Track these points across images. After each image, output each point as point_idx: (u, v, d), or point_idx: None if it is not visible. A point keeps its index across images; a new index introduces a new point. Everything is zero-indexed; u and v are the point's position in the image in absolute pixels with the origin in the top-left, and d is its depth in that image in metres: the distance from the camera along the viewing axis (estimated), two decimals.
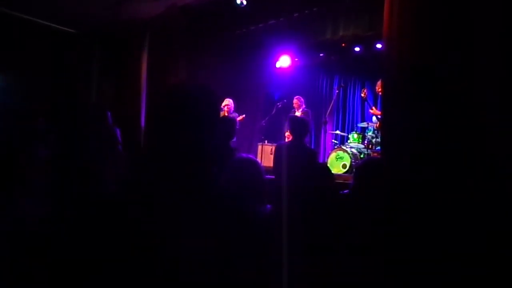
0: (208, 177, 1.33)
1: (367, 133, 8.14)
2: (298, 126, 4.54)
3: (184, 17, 7.34)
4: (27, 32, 7.38)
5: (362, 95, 7.99)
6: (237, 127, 7.93)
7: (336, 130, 9.57)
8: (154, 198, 1.21)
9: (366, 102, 8.70)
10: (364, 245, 2.02)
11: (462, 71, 3.50)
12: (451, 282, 2.11)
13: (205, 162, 1.33)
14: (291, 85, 10.08)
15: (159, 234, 1.17)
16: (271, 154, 7.70)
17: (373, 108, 7.80)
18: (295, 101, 8.18)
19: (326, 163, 7.15)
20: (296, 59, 9.73)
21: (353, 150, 7.97)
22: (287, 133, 6.65)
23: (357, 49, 8.86)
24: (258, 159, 6.99)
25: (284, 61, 9.40)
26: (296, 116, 5.14)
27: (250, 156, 2.33)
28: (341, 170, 7.61)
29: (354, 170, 2.99)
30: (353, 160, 7.56)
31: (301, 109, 8.06)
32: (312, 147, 10.27)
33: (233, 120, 4.71)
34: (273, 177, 4.46)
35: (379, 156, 6.73)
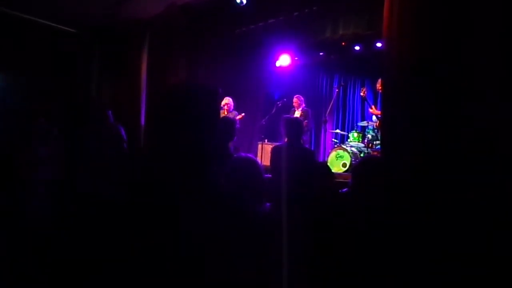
0: (208, 177, 1.34)
1: (367, 132, 8.15)
2: (293, 126, 4.54)
3: (183, 16, 7.34)
4: (27, 32, 7.38)
5: (362, 94, 8.00)
6: (237, 126, 7.96)
7: (336, 129, 9.57)
8: (154, 198, 1.22)
9: (365, 102, 8.70)
10: (363, 244, 2.03)
11: (462, 70, 3.51)
12: (451, 282, 2.11)
13: (205, 162, 1.34)
14: (291, 84, 10.08)
15: (159, 233, 1.17)
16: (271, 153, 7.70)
17: (373, 107, 7.81)
18: (295, 100, 8.18)
19: (326, 162, 7.15)
20: (296, 58, 9.73)
21: (353, 149, 7.98)
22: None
23: (357, 48, 8.86)
24: (258, 158, 7.00)
25: (284, 60, 9.40)
26: (290, 117, 5.13)
27: (250, 155, 2.33)
28: (341, 169, 7.62)
29: (352, 168, 2.99)
30: (353, 159, 7.57)
31: (301, 108, 8.05)
32: (312, 146, 10.28)
33: (233, 121, 4.71)
34: (270, 175, 4.48)
35: (378, 155, 6.74)
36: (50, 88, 7.21)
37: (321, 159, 8.90)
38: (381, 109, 6.12)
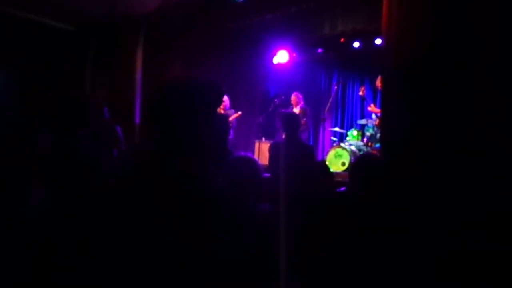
0: (205, 176, 1.34)
1: (367, 130, 8.16)
2: (289, 121, 4.54)
3: (179, 12, 7.33)
4: (21, 29, 7.35)
5: (360, 93, 8.01)
6: (234, 124, 7.96)
7: (335, 127, 9.59)
8: (149, 198, 1.21)
9: (365, 101, 8.71)
10: (362, 245, 2.03)
11: (463, 67, 3.51)
12: (453, 280, 2.13)
13: (202, 161, 1.34)
14: (288, 81, 10.08)
15: (154, 234, 1.17)
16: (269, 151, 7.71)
17: (372, 105, 7.83)
18: (293, 97, 8.18)
19: (324, 161, 7.16)
20: (294, 55, 9.73)
21: (352, 147, 7.99)
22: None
23: (356, 44, 8.86)
24: (255, 157, 6.99)
25: (281, 57, 9.40)
26: (285, 112, 5.12)
27: (248, 154, 2.34)
28: (340, 168, 7.63)
29: (350, 166, 3.01)
30: (352, 158, 7.58)
31: (299, 106, 8.06)
32: (311, 144, 10.29)
33: (226, 116, 4.71)
34: (269, 175, 4.48)
35: (376, 153, 6.75)
36: (43, 86, 7.19)
37: (319, 158, 8.91)
38: (380, 107, 6.13)
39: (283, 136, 4.73)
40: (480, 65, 3.37)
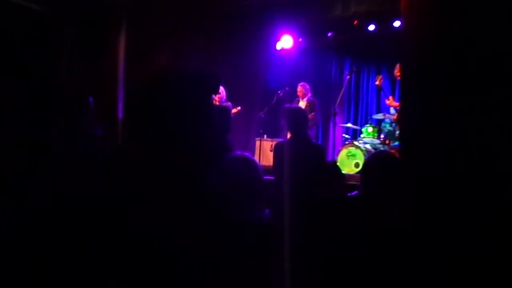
0: (197, 178, 1.35)
1: (384, 126, 8.16)
2: (294, 117, 4.54)
3: None
4: None
5: (377, 83, 8.00)
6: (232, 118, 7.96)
7: (347, 123, 9.59)
8: (131, 202, 1.22)
9: (382, 92, 8.71)
10: (375, 257, 2.05)
11: (493, 52, 3.51)
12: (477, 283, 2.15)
13: (195, 160, 1.35)
14: (294, 70, 10.08)
15: (133, 239, 1.19)
16: (271, 151, 7.71)
17: (390, 97, 7.82)
18: (299, 88, 8.18)
19: (335, 162, 7.17)
20: (300, 40, 9.73)
21: (367, 146, 8.00)
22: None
23: (371, 27, 8.85)
24: (256, 157, 7.01)
25: (286, 42, 9.40)
26: (292, 106, 5.13)
27: (246, 153, 2.34)
28: (353, 170, 7.64)
29: (362, 167, 3.03)
30: (367, 158, 7.59)
31: (306, 98, 8.06)
32: (319, 142, 10.29)
33: (228, 109, 4.71)
34: (273, 178, 4.49)
35: (394, 152, 6.75)
36: (17, 72, 7.19)
37: (329, 158, 8.92)
38: (399, 100, 6.13)
39: (288, 134, 4.74)
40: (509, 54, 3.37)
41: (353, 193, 2.90)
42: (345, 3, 7.68)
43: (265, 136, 8.63)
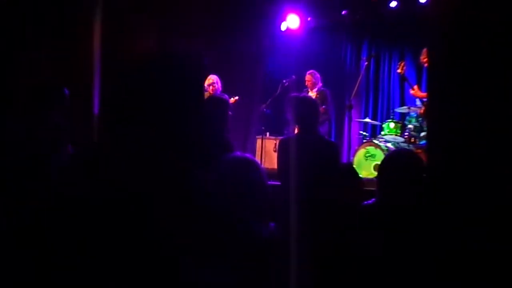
0: (189, 185, 1.34)
1: (408, 121, 8.15)
2: (303, 110, 4.48)
3: None
4: None
5: (399, 71, 7.96)
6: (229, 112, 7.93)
7: (365, 118, 9.58)
8: (108, 212, 1.22)
9: (405, 81, 8.67)
10: (395, 277, 2.04)
11: None
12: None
13: (186, 164, 1.34)
14: (302, 55, 10.07)
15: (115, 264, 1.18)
16: (275, 151, 7.69)
17: (415, 87, 7.78)
18: (308, 77, 8.16)
19: (351, 164, 7.16)
20: (309, 19, 9.71)
21: (388, 145, 7.98)
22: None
23: (393, 4, 8.84)
24: (257, 159, 6.98)
25: (292, 22, 9.38)
26: (300, 95, 5.06)
27: (246, 155, 2.33)
28: (372, 173, 7.62)
29: (378, 168, 3.00)
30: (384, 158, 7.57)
31: (316, 89, 8.05)
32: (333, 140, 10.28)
33: (225, 100, 4.67)
34: (278, 183, 4.46)
35: (420, 152, 6.73)
36: None
37: (344, 159, 8.91)
38: (426, 90, 6.11)
39: (295, 130, 4.71)
40: None
41: (369, 201, 2.87)
42: None
43: (267, 133, 8.61)
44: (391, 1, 8.81)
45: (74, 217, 1.24)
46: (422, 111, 7.75)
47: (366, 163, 7.82)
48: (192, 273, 1.22)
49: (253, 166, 2.23)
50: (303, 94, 7.73)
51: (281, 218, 2.25)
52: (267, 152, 8.18)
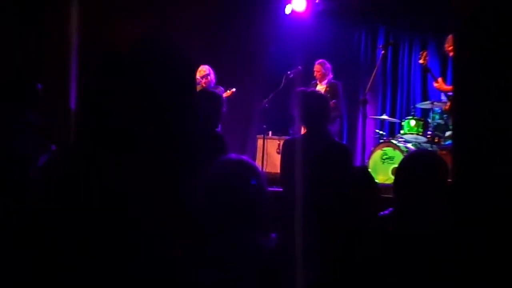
0: (176, 192, 1.34)
1: (432, 118, 8.15)
2: (310, 105, 4.48)
3: None
4: None
5: (421, 61, 7.96)
6: (223, 109, 7.92)
7: (382, 115, 9.57)
8: (87, 223, 1.23)
9: (428, 73, 8.67)
10: None
11: None
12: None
13: (173, 166, 1.34)
14: (309, 42, 10.06)
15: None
16: (278, 153, 7.69)
17: (440, 80, 7.79)
18: (316, 68, 8.16)
19: (365, 167, 7.15)
20: (317, 1, 9.71)
21: (409, 145, 7.98)
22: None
23: None
24: (257, 162, 6.97)
25: (297, 4, 9.38)
26: (306, 91, 5.03)
27: (244, 157, 2.33)
28: (390, 178, 7.61)
29: (395, 172, 2.99)
30: (402, 160, 7.57)
31: (325, 81, 8.05)
32: (344, 140, 10.28)
33: (218, 96, 4.69)
34: (281, 190, 4.47)
35: (445, 153, 6.72)
36: None
37: (358, 163, 8.91)
38: (452, 83, 6.11)
39: (302, 129, 4.72)
40: None
41: (386, 212, 2.87)
42: None
43: (269, 133, 8.61)
44: None
45: (44, 224, 1.25)
46: (447, 106, 7.75)
47: (383, 166, 7.82)
48: None
49: (251, 170, 2.22)
50: (310, 87, 7.73)
51: (284, 230, 2.25)
52: (269, 154, 8.17)
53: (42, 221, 1.25)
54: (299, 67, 8.56)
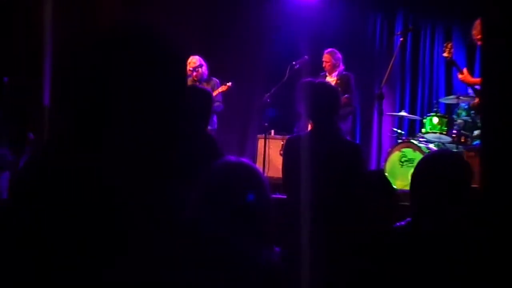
0: (167, 201, 1.34)
1: (457, 115, 8.16)
2: (318, 100, 4.47)
3: None
4: None
5: (445, 54, 7.95)
6: (220, 106, 7.92)
7: (400, 111, 9.57)
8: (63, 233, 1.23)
9: (454, 66, 8.67)
10: None
11: None
12: None
13: (161, 171, 1.34)
14: (317, 29, 10.08)
15: None
16: (281, 154, 7.69)
17: (465, 71, 7.77)
18: (326, 57, 8.17)
19: (382, 171, 7.16)
20: None
21: (431, 146, 7.98)
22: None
23: None
24: (257, 165, 6.97)
25: None
26: (313, 82, 5.02)
27: (243, 160, 2.33)
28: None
29: (411, 177, 2.98)
30: (419, 163, 7.57)
31: (336, 72, 8.05)
32: (357, 139, 10.28)
33: (208, 93, 4.71)
34: (285, 197, 4.46)
35: (473, 155, 6.73)
36: None
37: (373, 166, 8.92)
38: (480, 75, 6.11)
39: (308, 126, 4.71)
40: None
41: (403, 222, 2.86)
42: None
43: (272, 132, 8.61)
44: None
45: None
46: (475, 102, 7.74)
47: (401, 170, 7.82)
48: None
49: (251, 175, 2.23)
50: (319, 79, 7.71)
51: (289, 242, 2.25)
52: (271, 156, 8.17)
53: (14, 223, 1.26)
54: (306, 57, 8.55)
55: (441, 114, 8.42)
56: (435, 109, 8.56)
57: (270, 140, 8.39)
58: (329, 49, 8.24)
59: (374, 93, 9.36)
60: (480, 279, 2.28)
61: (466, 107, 8.09)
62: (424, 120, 8.48)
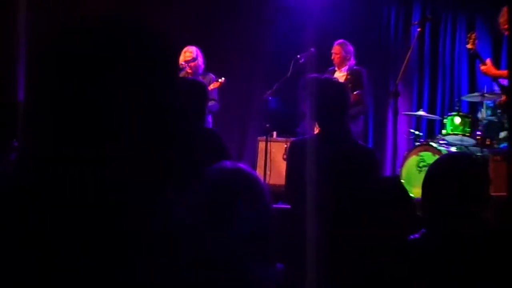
0: (158, 211, 1.34)
1: (482, 114, 8.15)
2: (326, 98, 4.45)
3: None
4: None
5: (469, 46, 7.93)
6: (214, 107, 7.91)
7: (418, 110, 9.57)
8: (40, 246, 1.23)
9: (477, 59, 8.65)
10: None
11: None
12: None
13: (149, 175, 1.34)
14: (325, 19, 10.08)
15: None
16: (285, 159, 7.69)
17: (488, 61, 7.74)
18: (336, 49, 8.17)
19: (397, 177, 7.17)
20: None
21: (452, 149, 7.98)
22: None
23: None
24: (258, 171, 6.98)
25: None
26: (320, 78, 5.00)
27: (241, 165, 2.32)
28: None
29: (422, 182, 2.98)
30: (431, 166, 7.57)
31: (346, 67, 8.06)
32: (370, 142, 10.28)
33: (203, 85, 4.71)
34: (288, 207, 4.46)
35: (499, 159, 6.72)
36: None
37: (387, 172, 8.92)
38: (507, 67, 6.10)
39: (315, 128, 4.71)
40: None
41: (417, 235, 2.86)
42: None
43: (274, 133, 8.62)
44: None
45: None
46: (502, 100, 7.73)
47: (419, 176, 7.80)
48: None
49: (251, 182, 2.22)
50: (326, 75, 7.70)
51: (293, 257, 2.24)
52: (273, 161, 8.17)
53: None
54: (312, 49, 8.51)
55: (464, 114, 8.42)
56: (457, 108, 8.57)
57: (272, 143, 8.38)
58: (339, 41, 8.24)
59: (388, 90, 9.36)
60: None
61: (491, 105, 8.08)
62: (445, 120, 8.48)
